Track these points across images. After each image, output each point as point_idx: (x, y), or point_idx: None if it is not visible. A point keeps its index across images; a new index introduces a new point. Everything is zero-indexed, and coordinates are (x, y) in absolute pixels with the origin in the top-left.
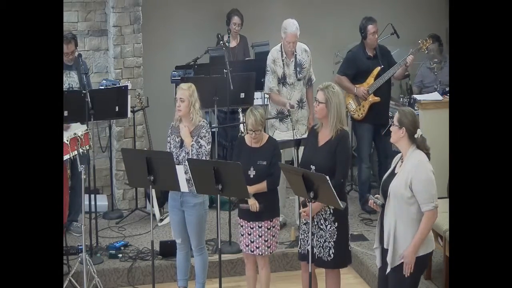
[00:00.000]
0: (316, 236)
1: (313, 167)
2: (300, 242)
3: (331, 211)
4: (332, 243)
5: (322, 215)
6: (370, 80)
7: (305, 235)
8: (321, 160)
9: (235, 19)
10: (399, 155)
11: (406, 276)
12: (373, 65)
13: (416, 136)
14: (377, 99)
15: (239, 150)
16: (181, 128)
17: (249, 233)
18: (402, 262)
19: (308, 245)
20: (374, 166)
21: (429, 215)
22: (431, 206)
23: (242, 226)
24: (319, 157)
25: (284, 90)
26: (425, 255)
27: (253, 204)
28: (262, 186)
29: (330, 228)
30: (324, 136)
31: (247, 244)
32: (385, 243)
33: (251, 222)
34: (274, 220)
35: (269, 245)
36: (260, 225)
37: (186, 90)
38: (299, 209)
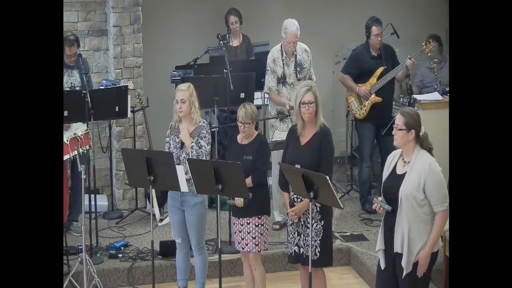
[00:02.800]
0: (303, 235)
1: (298, 166)
2: (288, 243)
3: (318, 210)
4: (318, 241)
5: (309, 213)
6: (373, 80)
7: (292, 236)
8: (306, 158)
9: (232, 18)
10: (394, 153)
11: (419, 276)
12: (377, 65)
13: (421, 134)
14: (378, 99)
15: (229, 147)
16: (180, 130)
17: (240, 230)
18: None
19: (295, 245)
20: (374, 166)
21: (443, 215)
22: (445, 206)
23: (234, 223)
24: (303, 155)
25: (284, 90)
26: (436, 252)
27: (237, 200)
28: (247, 181)
29: (316, 226)
30: (306, 135)
31: (238, 241)
32: (399, 247)
33: (240, 219)
34: (262, 218)
35: (257, 243)
36: (248, 222)
37: (186, 91)
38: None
